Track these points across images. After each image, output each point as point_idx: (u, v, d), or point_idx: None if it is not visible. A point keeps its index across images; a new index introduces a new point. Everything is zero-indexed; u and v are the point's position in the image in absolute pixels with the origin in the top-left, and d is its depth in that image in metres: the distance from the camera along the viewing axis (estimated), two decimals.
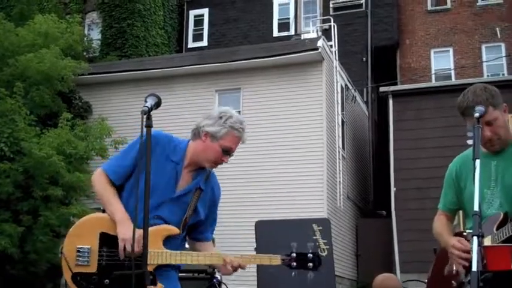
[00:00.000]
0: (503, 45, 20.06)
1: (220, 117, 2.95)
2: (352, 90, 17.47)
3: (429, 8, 21.37)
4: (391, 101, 15.18)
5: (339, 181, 14.79)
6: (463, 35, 20.64)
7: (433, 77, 20.38)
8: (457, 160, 3.22)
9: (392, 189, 14.57)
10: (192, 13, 23.26)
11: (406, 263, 13.41)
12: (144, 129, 2.58)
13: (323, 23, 18.96)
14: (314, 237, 5.60)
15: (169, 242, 2.90)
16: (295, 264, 2.98)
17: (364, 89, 19.78)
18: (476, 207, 2.48)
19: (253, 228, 6.16)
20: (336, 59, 15.58)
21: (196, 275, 6.42)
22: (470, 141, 2.83)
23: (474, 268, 2.35)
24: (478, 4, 20.79)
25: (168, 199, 2.94)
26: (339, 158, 15.00)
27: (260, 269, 5.69)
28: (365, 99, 19.67)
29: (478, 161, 2.57)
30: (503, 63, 19.79)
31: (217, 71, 15.31)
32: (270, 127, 14.31)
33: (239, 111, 14.98)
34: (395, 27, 21.13)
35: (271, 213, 12.39)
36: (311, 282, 5.46)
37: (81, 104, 15.89)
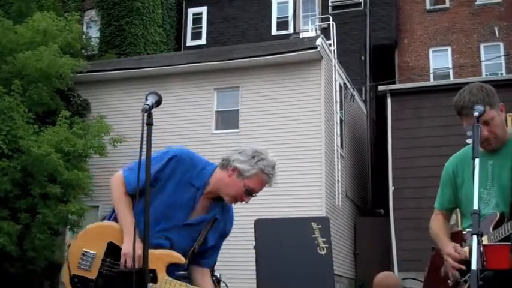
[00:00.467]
0: (501, 44, 20.08)
1: (253, 157, 2.85)
2: (351, 89, 17.48)
3: (428, 7, 21.38)
4: (389, 100, 15.19)
5: (337, 180, 14.81)
6: (461, 34, 20.66)
7: (432, 76, 20.38)
8: (453, 159, 3.23)
9: (391, 188, 14.59)
10: (191, 11, 23.25)
11: (404, 262, 13.43)
12: (145, 127, 2.53)
13: (322, 21, 18.95)
14: (313, 236, 5.60)
15: (172, 267, 2.86)
16: None
17: (363, 88, 19.79)
18: (475, 206, 2.49)
19: (253, 226, 6.16)
20: (334, 57, 15.58)
21: None
22: (469, 141, 2.84)
23: (474, 267, 2.35)
24: (476, 3, 20.80)
25: (180, 224, 2.90)
26: (337, 157, 15.02)
27: (260, 267, 5.69)
28: (363, 98, 19.68)
29: (477, 160, 2.57)
30: (501, 62, 19.81)
31: (216, 70, 15.30)
32: (269, 126, 14.32)
33: (237, 110, 15.00)
34: (394, 26, 21.14)
35: (270, 211, 12.41)
36: (310, 280, 5.47)
37: (79, 102, 15.87)
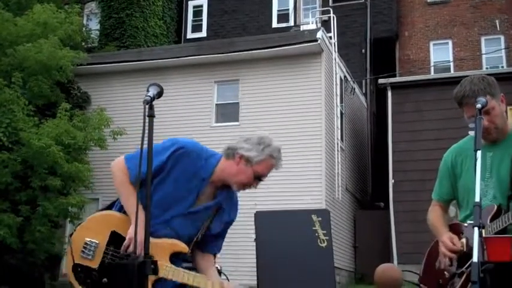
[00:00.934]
0: (502, 37, 20.05)
1: (259, 144, 2.91)
2: (351, 82, 17.46)
3: (428, 0, 21.32)
4: (389, 93, 15.19)
5: (338, 173, 14.81)
6: (462, 27, 20.62)
7: (432, 69, 20.37)
8: (452, 150, 3.23)
9: (391, 181, 14.60)
10: (191, 4, 23.20)
11: (404, 254, 13.47)
12: (147, 119, 2.52)
13: (322, 14, 18.91)
14: (313, 228, 5.60)
15: (175, 256, 2.88)
16: None
17: (363, 81, 19.78)
18: (477, 199, 2.49)
19: (253, 219, 6.16)
20: (335, 50, 15.56)
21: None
22: (471, 132, 2.84)
23: (475, 259, 2.35)
24: None
25: (184, 213, 2.91)
26: (338, 150, 15.02)
27: (260, 259, 5.70)
28: (364, 91, 19.66)
29: (479, 152, 2.56)
30: (502, 55, 19.79)
31: (216, 62, 15.28)
32: (269, 119, 14.30)
33: (237, 103, 14.99)
34: (395, 19, 21.09)
35: (270, 204, 12.43)
36: (310, 273, 5.48)
37: (79, 94, 15.87)
